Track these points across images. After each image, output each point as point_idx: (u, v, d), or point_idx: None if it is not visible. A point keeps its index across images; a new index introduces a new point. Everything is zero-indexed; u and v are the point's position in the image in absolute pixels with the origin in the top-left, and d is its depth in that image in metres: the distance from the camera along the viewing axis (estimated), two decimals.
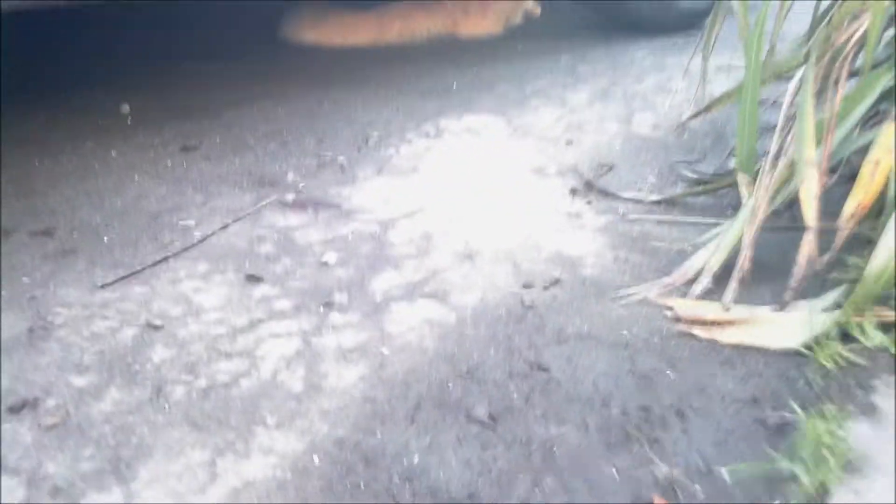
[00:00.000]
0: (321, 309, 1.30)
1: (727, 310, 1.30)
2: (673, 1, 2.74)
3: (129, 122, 2.05)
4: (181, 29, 3.01)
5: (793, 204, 1.57)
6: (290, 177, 1.76)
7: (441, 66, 2.47)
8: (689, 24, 2.84)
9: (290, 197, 1.67)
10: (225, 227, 1.56)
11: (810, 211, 1.30)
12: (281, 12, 2.66)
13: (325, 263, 1.44)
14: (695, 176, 1.76)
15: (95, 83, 2.31)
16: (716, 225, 1.49)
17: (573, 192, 1.69)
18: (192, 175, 1.78)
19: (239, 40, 2.78)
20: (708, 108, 1.86)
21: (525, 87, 2.28)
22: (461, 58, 2.55)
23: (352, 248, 1.48)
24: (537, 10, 3.00)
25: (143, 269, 1.42)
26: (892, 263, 1.20)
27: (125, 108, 2.11)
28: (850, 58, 1.39)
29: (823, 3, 1.78)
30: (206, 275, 1.41)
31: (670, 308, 1.32)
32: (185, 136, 1.97)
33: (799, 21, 1.78)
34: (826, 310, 1.27)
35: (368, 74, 2.39)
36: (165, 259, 1.45)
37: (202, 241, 1.51)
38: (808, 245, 1.30)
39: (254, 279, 1.39)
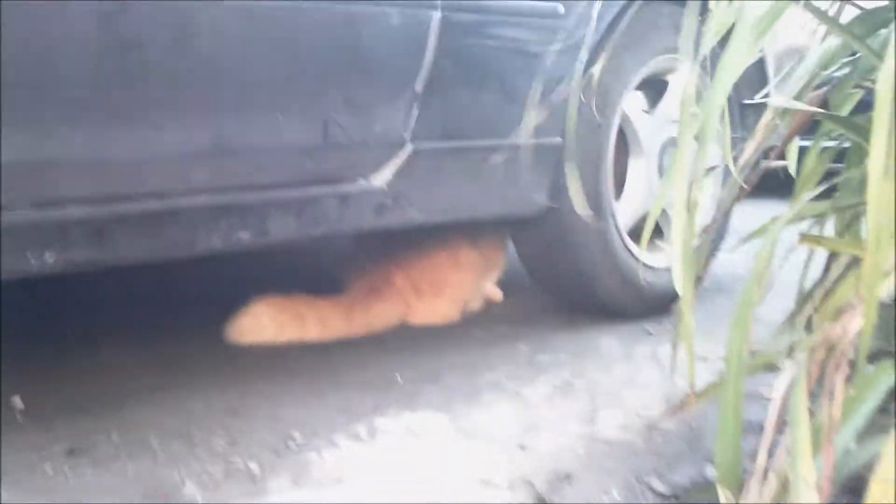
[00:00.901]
0: None
1: None
2: (643, 284, 2.59)
3: (17, 417, 1.78)
4: (104, 310, 2.81)
5: None
6: (189, 488, 1.48)
7: (386, 353, 2.25)
8: (659, 308, 2.67)
9: None
10: None
11: None
12: (225, 312, 2.36)
13: None
14: (666, 489, 1.50)
15: None
16: None
17: None
18: (70, 487, 1.49)
19: (162, 323, 2.56)
20: (682, 407, 1.63)
21: (477, 380, 2.05)
22: (408, 344, 2.33)
23: None
24: (498, 296, 2.83)
25: None
26: None
27: (17, 400, 1.85)
28: (846, 356, 1.18)
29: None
30: None
31: None
32: (77, 436, 1.69)
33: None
34: None
35: (303, 364, 2.16)
36: None
37: None
38: None
39: None
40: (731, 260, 2.54)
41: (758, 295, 1.40)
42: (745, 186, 1.56)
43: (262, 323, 2.33)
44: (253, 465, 1.57)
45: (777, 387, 1.23)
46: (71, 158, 1.53)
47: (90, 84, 1.53)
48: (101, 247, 1.60)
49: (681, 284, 1.43)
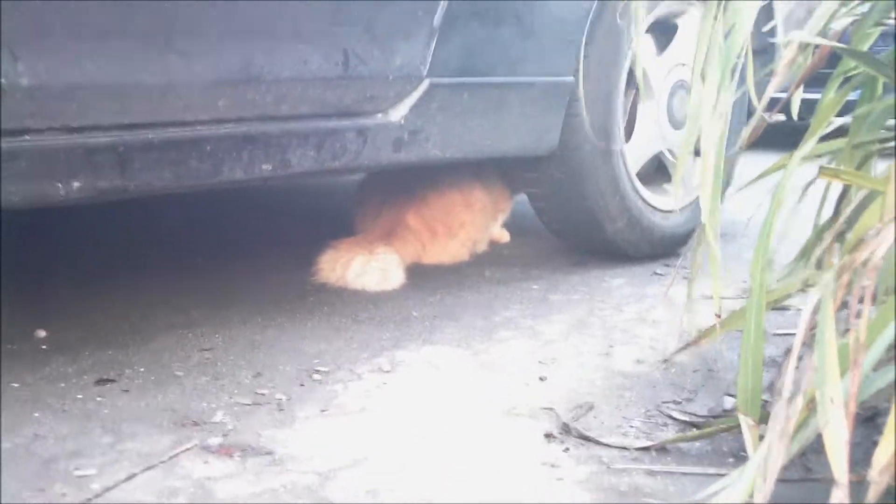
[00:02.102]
0: None
1: None
2: (653, 226, 2.62)
3: (42, 349, 1.81)
4: (120, 241, 2.83)
5: (805, 451, 1.35)
6: (219, 416, 1.50)
7: (400, 291, 2.28)
8: (666, 251, 2.71)
9: (215, 441, 1.41)
10: (131, 477, 1.29)
11: (839, 462, 1.06)
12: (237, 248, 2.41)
13: None
14: (686, 418, 1.53)
15: (12, 301, 2.07)
16: (717, 476, 1.25)
17: (548, 437, 1.44)
18: (103, 412, 1.52)
19: (185, 258, 2.58)
20: (696, 341, 1.66)
21: (493, 317, 2.08)
22: (423, 283, 2.35)
23: None
24: (505, 238, 2.88)
25: None
26: None
27: (40, 332, 1.88)
28: (873, 280, 1.20)
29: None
30: None
31: None
32: (105, 366, 1.72)
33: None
34: None
35: (321, 300, 2.19)
36: None
37: (100, 494, 1.24)
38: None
39: None
40: (729, 208, 2.56)
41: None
42: (767, 118, 1.58)
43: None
44: (280, 396, 1.60)
45: (805, 310, 1.25)
46: (97, 84, 1.54)
47: (117, 8, 1.54)
48: (125, 175, 1.61)
49: (707, 211, 1.44)
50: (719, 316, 1.50)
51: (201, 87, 1.68)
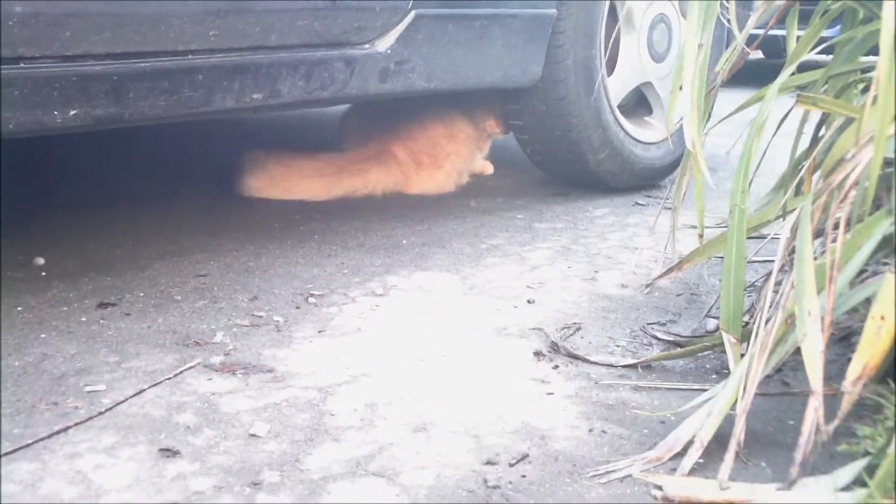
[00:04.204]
0: (246, 490, 1.08)
1: (725, 488, 1.11)
2: (634, 158, 2.66)
3: (42, 275, 1.84)
4: (109, 173, 2.86)
5: (783, 367, 1.42)
6: (219, 337, 1.56)
7: (388, 220, 2.32)
8: (646, 183, 2.77)
9: (217, 359, 1.46)
10: (140, 392, 1.35)
11: (815, 371, 1.12)
12: (231, 166, 2.49)
13: (254, 435, 1.22)
14: (670, 338, 1.60)
15: (6, 232, 2.10)
16: (700, 391, 1.32)
17: (538, 355, 1.50)
18: (107, 333, 1.57)
19: (171, 189, 2.61)
20: (679, 266, 1.72)
21: (480, 245, 2.13)
22: (410, 213, 2.41)
23: (286, 418, 1.27)
24: (489, 169, 2.93)
25: (36, 441, 1.19)
26: None
27: (39, 260, 1.91)
28: (849, 198, 1.25)
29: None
30: (112, 448, 1.18)
31: (658, 487, 1.13)
32: (105, 291, 1.76)
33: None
34: (843, 490, 1.08)
35: (311, 228, 2.23)
36: (65, 430, 1.23)
37: (111, 408, 1.29)
38: (814, 412, 1.11)
39: (169, 453, 1.17)
40: (708, 142, 2.62)
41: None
42: (747, 50, 1.62)
43: (262, 180, 2.53)
44: (277, 318, 1.65)
45: (784, 230, 1.30)
46: (90, 12, 1.56)
47: None
48: (120, 103, 1.63)
49: (692, 130, 1.49)
50: (702, 236, 1.56)
51: (192, 18, 1.70)
